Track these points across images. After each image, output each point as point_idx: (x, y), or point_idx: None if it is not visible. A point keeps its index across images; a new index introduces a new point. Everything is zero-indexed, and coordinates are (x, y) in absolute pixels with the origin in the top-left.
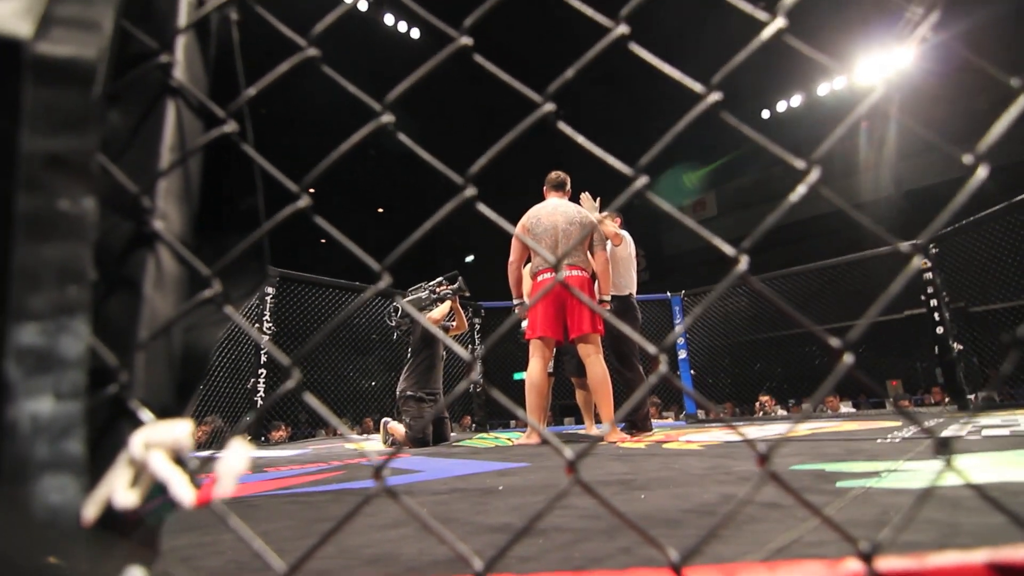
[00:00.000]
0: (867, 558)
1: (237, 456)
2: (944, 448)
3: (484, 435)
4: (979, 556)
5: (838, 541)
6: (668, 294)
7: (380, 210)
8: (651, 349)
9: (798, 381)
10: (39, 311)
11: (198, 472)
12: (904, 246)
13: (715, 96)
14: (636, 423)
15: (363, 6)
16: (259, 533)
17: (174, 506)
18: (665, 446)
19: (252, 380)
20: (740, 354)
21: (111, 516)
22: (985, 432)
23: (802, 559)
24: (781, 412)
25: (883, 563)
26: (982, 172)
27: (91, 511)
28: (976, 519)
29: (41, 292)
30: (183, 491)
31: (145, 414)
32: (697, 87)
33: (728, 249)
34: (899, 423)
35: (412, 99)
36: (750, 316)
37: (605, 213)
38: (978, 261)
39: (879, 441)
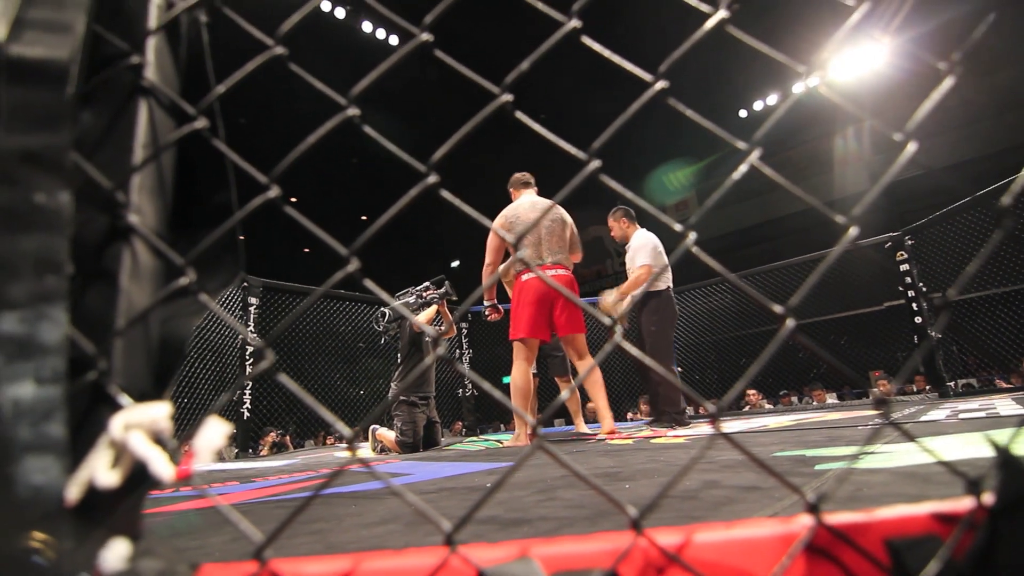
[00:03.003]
0: (814, 508)
1: (214, 431)
2: (882, 405)
3: (474, 439)
4: (924, 508)
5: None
6: None
7: (364, 217)
8: (606, 320)
9: (783, 375)
10: (18, 300)
11: (177, 451)
12: (839, 218)
13: (661, 84)
14: (675, 418)
15: (340, 14)
16: (245, 537)
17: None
18: (653, 441)
19: (238, 392)
20: (725, 350)
21: (94, 495)
22: (962, 415)
23: (759, 518)
24: (767, 406)
25: (834, 517)
26: (911, 147)
27: (74, 491)
28: (944, 491)
29: (20, 282)
30: (162, 468)
31: (124, 399)
32: (645, 76)
33: (677, 226)
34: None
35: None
36: (735, 313)
37: (614, 213)
38: (953, 252)
39: (860, 428)
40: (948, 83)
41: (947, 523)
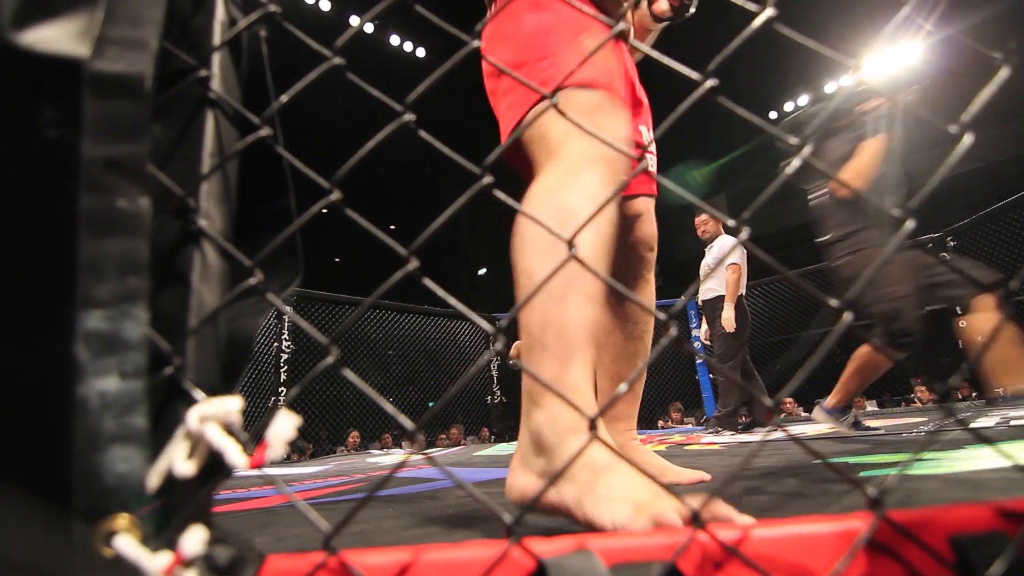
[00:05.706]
0: (876, 503)
1: (285, 423)
2: (945, 398)
3: (504, 445)
4: (989, 504)
5: None
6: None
7: (392, 227)
8: (660, 316)
9: (819, 381)
10: (103, 299)
11: (249, 442)
12: (895, 212)
13: (711, 82)
14: (724, 421)
15: (369, 28)
16: (289, 536)
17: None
18: (686, 447)
19: (273, 399)
20: (759, 357)
21: (172, 484)
22: (1014, 422)
23: (818, 515)
24: (803, 414)
25: (896, 514)
26: (967, 140)
27: (154, 480)
28: (1001, 497)
29: (104, 282)
30: (237, 457)
31: (198, 393)
32: (693, 75)
33: (729, 221)
34: (924, 418)
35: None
36: (768, 318)
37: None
38: (999, 252)
39: (904, 436)
40: (1004, 73)
41: (1014, 520)
